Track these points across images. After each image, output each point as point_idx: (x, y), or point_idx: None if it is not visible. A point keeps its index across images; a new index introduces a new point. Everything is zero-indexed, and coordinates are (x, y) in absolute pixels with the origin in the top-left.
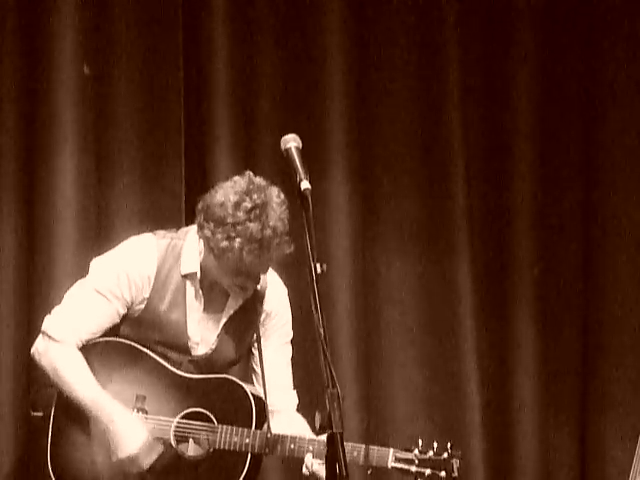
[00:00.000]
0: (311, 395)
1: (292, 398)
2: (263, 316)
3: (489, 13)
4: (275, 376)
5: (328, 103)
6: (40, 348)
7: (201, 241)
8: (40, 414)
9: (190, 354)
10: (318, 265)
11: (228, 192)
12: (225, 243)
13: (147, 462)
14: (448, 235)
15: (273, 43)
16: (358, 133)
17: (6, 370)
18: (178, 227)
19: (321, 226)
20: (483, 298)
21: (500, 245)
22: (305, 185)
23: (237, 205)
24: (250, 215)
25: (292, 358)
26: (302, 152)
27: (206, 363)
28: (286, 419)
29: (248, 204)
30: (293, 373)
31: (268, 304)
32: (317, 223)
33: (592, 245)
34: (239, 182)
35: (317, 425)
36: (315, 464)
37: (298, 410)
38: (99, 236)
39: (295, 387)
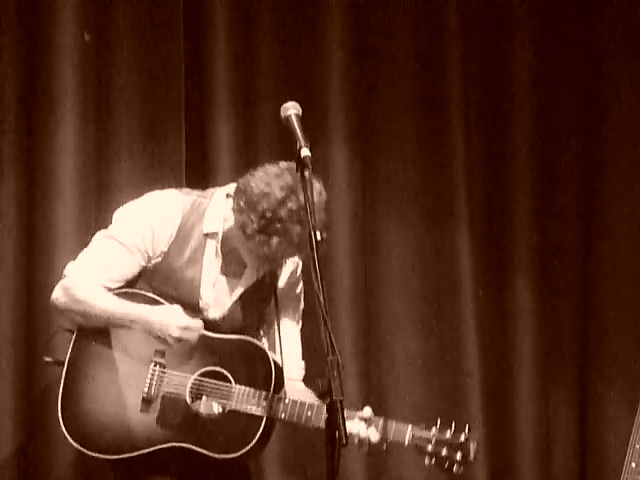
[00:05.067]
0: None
1: (300, 369)
2: (280, 286)
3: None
4: (288, 346)
5: (327, 73)
6: (61, 290)
7: (228, 203)
8: (51, 359)
9: (200, 312)
10: (318, 233)
11: (274, 184)
12: (263, 237)
13: (200, 325)
14: (447, 200)
15: (272, 7)
16: (357, 101)
17: (5, 316)
18: None
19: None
20: (482, 263)
21: (499, 210)
22: (305, 152)
23: (282, 203)
24: (293, 217)
25: None
26: (301, 119)
27: (214, 327)
28: (295, 388)
29: (293, 205)
30: None
31: (285, 275)
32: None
33: (592, 209)
34: (285, 175)
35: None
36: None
37: (304, 381)
38: (99, 209)
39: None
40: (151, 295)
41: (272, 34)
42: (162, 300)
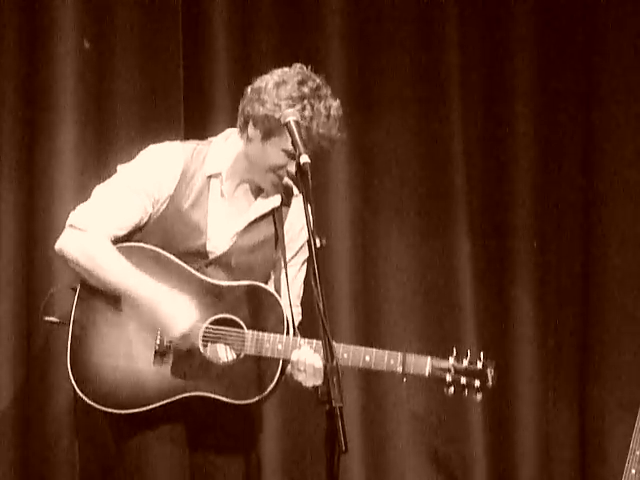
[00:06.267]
0: None
1: (297, 314)
2: (286, 228)
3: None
4: (285, 289)
5: (327, 78)
6: (67, 240)
7: (228, 144)
8: (52, 319)
9: (207, 257)
10: (318, 239)
11: (287, 73)
12: (297, 114)
13: (198, 338)
14: (448, 208)
15: (272, 16)
16: (357, 109)
17: (6, 287)
18: None
19: (321, 198)
20: (482, 270)
21: (499, 217)
22: (304, 159)
23: (302, 82)
24: (316, 92)
25: None
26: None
27: (223, 267)
28: None
29: (312, 83)
30: None
31: (292, 219)
32: (317, 195)
33: (593, 216)
34: (294, 67)
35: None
36: None
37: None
38: None
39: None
40: (161, 251)
41: (271, 34)
42: (166, 253)
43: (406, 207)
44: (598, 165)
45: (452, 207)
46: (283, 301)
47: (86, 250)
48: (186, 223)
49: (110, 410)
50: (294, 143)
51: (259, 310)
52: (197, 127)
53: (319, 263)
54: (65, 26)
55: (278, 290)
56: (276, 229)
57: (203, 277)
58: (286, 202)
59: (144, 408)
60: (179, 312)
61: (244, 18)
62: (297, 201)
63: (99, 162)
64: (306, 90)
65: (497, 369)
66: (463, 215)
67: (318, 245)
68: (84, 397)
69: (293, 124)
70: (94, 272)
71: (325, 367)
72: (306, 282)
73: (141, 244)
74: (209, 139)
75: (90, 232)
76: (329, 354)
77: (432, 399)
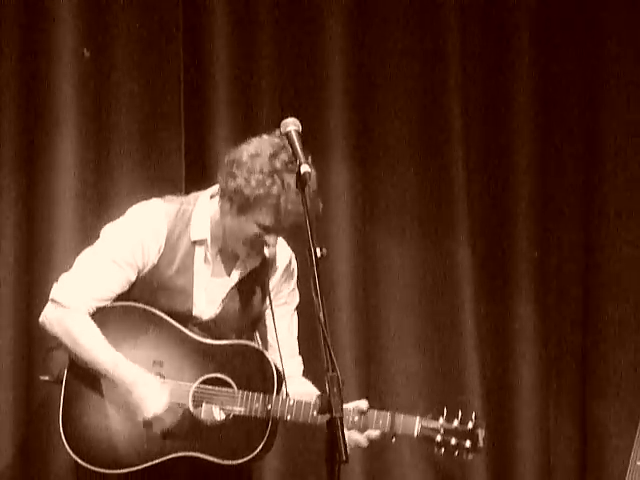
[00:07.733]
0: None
1: (299, 364)
2: (272, 282)
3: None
4: (282, 342)
5: (328, 85)
6: (50, 316)
7: (212, 204)
8: (47, 378)
9: (193, 320)
10: (318, 249)
11: (262, 145)
12: (262, 190)
13: (166, 425)
14: (448, 217)
15: (273, 28)
16: (358, 115)
17: (6, 346)
18: None
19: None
20: (483, 281)
21: (500, 227)
22: (305, 168)
23: (274, 155)
24: (288, 167)
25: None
26: (302, 134)
27: (209, 329)
28: (295, 384)
29: (285, 156)
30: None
31: (276, 271)
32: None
33: (593, 227)
34: (271, 138)
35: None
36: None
37: (304, 376)
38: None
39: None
40: (152, 310)
41: (272, 47)
42: (158, 312)
43: (406, 218)
44: (599, 174)
45: (452, 218)
46: (272, 356)
47: (67, 328)
48: (172, 288)
49: (103, 471)
50: (294, 153)
51: (249, 369)
52: (198, 137)
53: (319, 273)
54: (65, 35)
55: (267, 346)
56: (261, 284)
57: (194, 336)
58: (269, 260)
59: (134, 468)
60: (150, 399)
61: (245, 51)
62: (280, 256)
63: (99, 174)
64: (277, 164)
65: (488, 428)
66: (464, 226)
67: (319, 255)
68: (77, 458)
69: (293, 133)
70: (74, 349)
71: (326, 377)
72: (307, 293)
73: (133, 303)
74: (194, 194)
75: (72, 309)
76: (330, 364)
77: (432, 411)
